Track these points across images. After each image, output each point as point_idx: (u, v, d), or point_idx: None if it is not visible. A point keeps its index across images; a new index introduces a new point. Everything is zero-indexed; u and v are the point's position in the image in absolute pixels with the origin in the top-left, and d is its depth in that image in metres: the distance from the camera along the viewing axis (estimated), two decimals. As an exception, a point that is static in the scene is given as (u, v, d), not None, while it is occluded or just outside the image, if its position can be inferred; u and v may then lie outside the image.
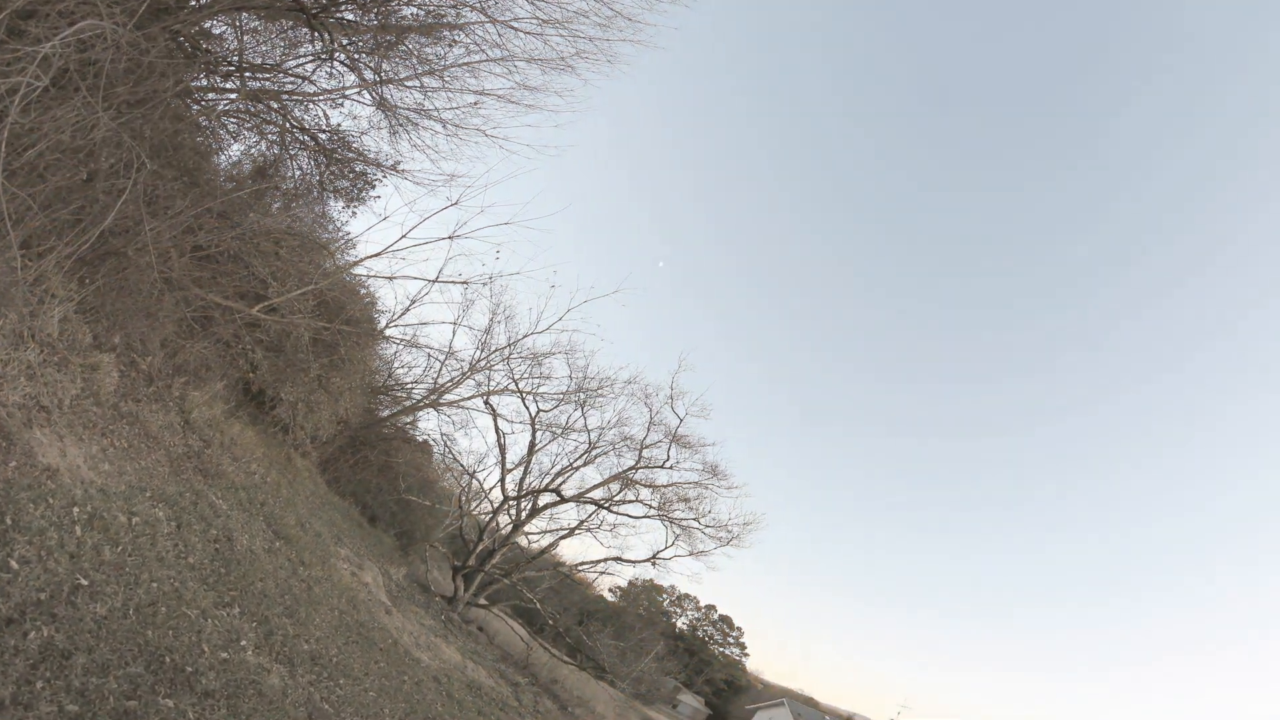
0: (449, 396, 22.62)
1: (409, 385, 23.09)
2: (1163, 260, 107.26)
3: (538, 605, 24.84)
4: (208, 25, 8.52)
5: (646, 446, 24.29)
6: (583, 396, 23.76)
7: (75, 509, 5.73)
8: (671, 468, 24.33)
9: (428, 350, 21.55)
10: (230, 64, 8.70)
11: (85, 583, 5.05)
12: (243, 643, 6.58)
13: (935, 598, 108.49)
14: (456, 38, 11.31)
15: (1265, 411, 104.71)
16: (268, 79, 9.53)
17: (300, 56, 9.79)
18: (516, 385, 22.72)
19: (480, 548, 23.09)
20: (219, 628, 6.37)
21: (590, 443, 24.50)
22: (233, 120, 9.87)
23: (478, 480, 26.45)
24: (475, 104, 11.94)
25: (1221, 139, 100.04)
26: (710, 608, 73.27)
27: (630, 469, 24.42)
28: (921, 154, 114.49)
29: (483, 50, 11.60)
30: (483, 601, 22.88)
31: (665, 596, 66.77)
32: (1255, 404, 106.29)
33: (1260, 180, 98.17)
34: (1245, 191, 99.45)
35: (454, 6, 11.08)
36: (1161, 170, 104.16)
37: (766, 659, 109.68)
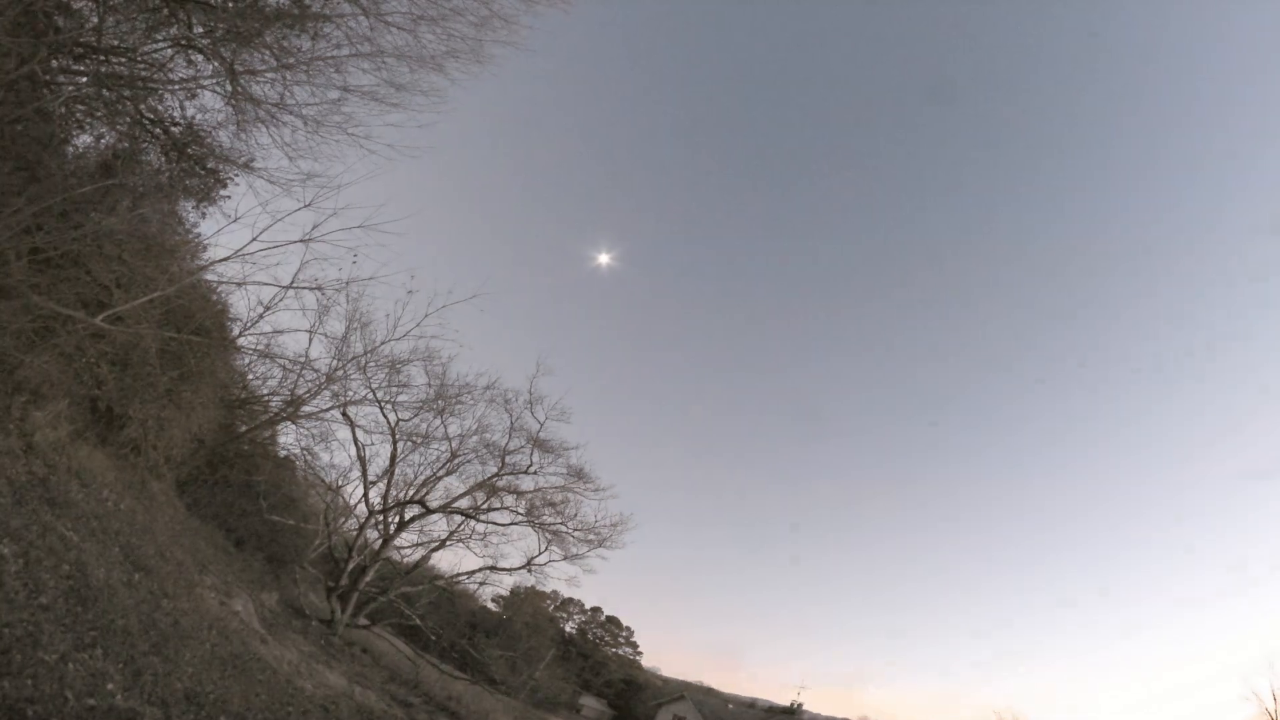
0: (306, 409, 21.49)
1: (265, 398, 21.59)
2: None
3: (419, 621, 24.08)
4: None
5: (509, 453, 24.34)
6: (442, 404, 23.46)
7: (-94, 550, 5.02)
8: (535, 473, 24.51)
9: (282, 361, 20.23)
10: (83, 45, 7.75)
11: (-73, 633, 4.46)
12: (110, 686, 6.09)
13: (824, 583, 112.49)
14: (323, 29, 10.82)
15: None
16: (122, 64, 8.58)
17: (158, 41, 8.92)
18: (374, 394, 22.09)
19: (352, 565, 22.09)
20: (82, 672, 5.87)
21: (452, 451, 24.24)
22: (81, 108, 8.79)
23: (343, 496, 25.20)
24: (339, 100, 11.45)
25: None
26: (597, 610, 73.63)
27: (494, 476, 24.39)
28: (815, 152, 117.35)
29: (351, 44, 11.16)
30: (363, 622, 21.84)
31: (550, 602, 66.28)
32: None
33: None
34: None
35: (323, -3, 10.62)
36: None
37: (663, 655, 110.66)
